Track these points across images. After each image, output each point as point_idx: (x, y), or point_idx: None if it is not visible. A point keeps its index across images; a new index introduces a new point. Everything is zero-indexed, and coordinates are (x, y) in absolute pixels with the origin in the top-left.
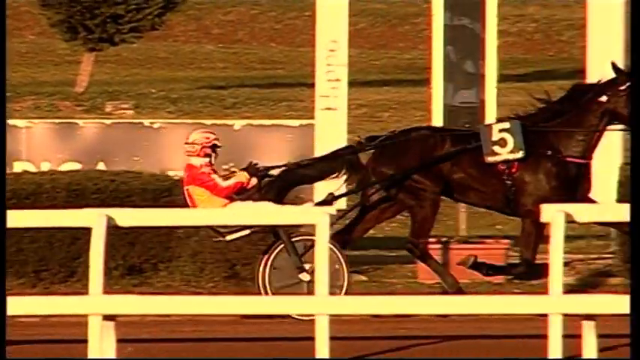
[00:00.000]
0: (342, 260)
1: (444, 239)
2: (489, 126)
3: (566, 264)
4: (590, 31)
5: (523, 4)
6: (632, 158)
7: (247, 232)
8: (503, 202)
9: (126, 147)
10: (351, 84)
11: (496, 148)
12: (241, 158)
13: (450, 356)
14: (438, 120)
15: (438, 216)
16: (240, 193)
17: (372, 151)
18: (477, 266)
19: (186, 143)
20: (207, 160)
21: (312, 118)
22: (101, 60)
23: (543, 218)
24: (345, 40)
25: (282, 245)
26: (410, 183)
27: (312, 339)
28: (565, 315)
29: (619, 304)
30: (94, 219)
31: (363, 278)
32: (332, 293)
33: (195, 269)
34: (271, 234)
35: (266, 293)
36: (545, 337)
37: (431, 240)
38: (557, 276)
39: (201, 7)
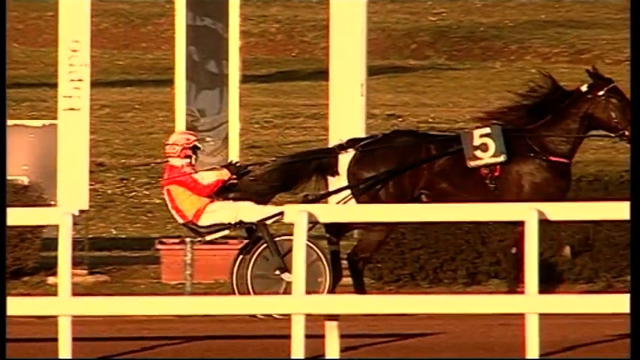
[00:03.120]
0: (325, 265)
1: (188, 239)
2: (470, 131)
3: None
4: (332, 32)
5: (266, 5)
6: (632, 159)
7: (227, 232)
8: None
9: None
10: (94, 84)
11: (478, 153)
12: None
13: (193, 356)
14: (181, 120)
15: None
16: (221, 192)
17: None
18: None
19: (167, 144)
20: (188, 160)
21: (55, 118)
22: None
23: (286, 218)
24: (87, 40)
25: (265, 245)
26: (389, 189)
27: (55, 340)
28: (308, 315)
29: (359, 304)
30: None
31: (107, 279)
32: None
33: None
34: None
35: (249, 293)
36: (288, 337)
37: (174, 240)
38: (299, 278)
39: None
